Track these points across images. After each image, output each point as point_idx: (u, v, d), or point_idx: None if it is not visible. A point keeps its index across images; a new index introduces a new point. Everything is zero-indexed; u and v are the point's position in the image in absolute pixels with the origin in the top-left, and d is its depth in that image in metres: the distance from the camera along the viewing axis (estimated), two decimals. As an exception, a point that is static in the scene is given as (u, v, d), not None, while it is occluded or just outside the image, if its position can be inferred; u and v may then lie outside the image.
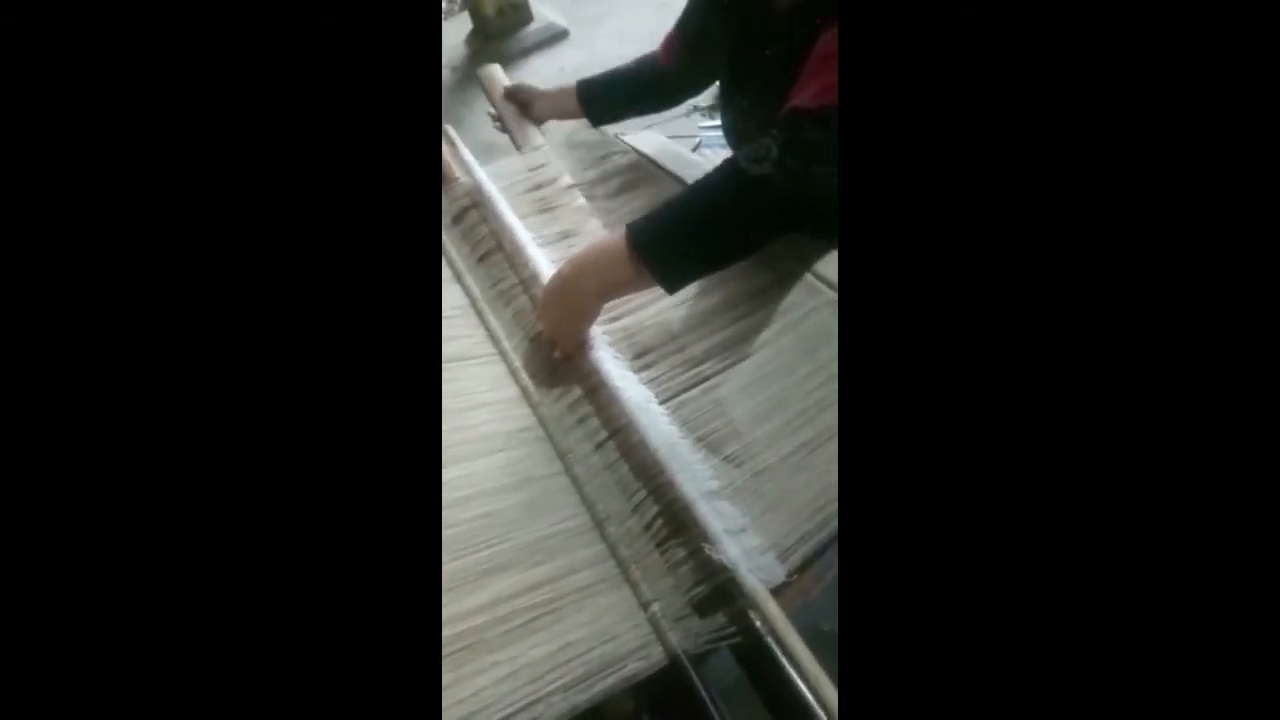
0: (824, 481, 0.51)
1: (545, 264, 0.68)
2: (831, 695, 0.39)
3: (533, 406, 0.61)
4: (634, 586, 0.47)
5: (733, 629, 0.44)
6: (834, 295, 0.64)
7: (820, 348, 0.60)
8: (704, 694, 0.42)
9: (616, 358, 0.61)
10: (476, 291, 0.72)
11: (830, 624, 0.44)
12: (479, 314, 0.70)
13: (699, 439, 0.55)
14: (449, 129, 0.92)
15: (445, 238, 0.79)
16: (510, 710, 0.40)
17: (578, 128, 0.95)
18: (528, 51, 2.63)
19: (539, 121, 0.96)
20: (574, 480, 0.54)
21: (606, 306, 0.63)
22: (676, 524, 0.50)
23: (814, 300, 0.65)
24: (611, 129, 0.95)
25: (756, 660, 0.43)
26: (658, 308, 0.67)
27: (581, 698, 0.41)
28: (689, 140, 1.87)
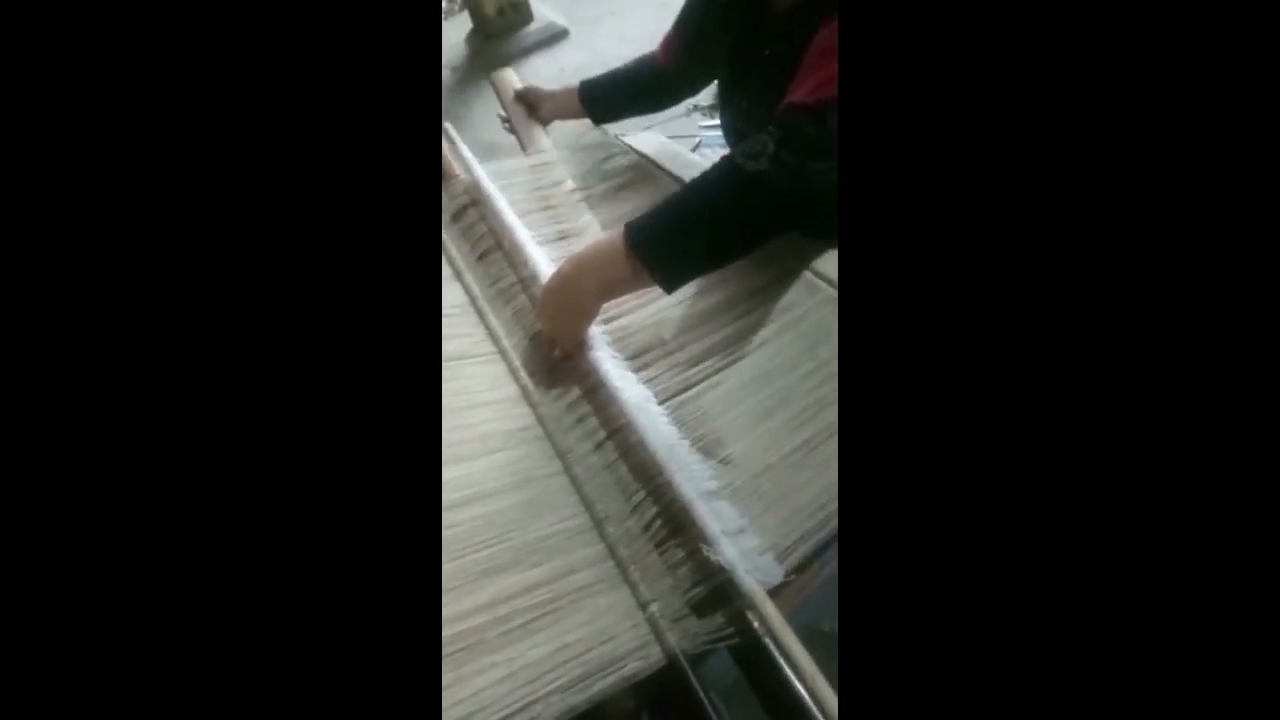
0: (824, 480, 0.50)
1: (544, 263, 0.68)
2: (828, 696, 0.39)
3: (532, 406, 0.60)
4: (633, 587, 0.47)
5: (731, 630, 0.44)
6: (833, 292, 0.64)
7: (820, 345, 0.60)
8: (702, 694, 0.42)
9: (615, 357, 0.61)
10: (476, 290, 0.72)
11: (829, 623, 0.44)
12: (478, 312, 0.70)
13: (698, 439, 0.55)
14: (449, 127, 0.92)
15: (445, 236, 0.79)
16: (509, 710, 0.40)
17: (584, 129, 0.96)
18: (528, 51, 2.64)
19: (545, 122, 0.97)
20: (573, 480, 0.54)
21: (606, 306, 0.62)
22: (675, 524, 0.50)
23: (813, 298, 0.64)
24: (612, 129, 0.96)
25: (754, 661, 0.43)
26: (657, 307, 0.66)
27: (580, 698, 0.41)
28: (689, 140, 1.87)
